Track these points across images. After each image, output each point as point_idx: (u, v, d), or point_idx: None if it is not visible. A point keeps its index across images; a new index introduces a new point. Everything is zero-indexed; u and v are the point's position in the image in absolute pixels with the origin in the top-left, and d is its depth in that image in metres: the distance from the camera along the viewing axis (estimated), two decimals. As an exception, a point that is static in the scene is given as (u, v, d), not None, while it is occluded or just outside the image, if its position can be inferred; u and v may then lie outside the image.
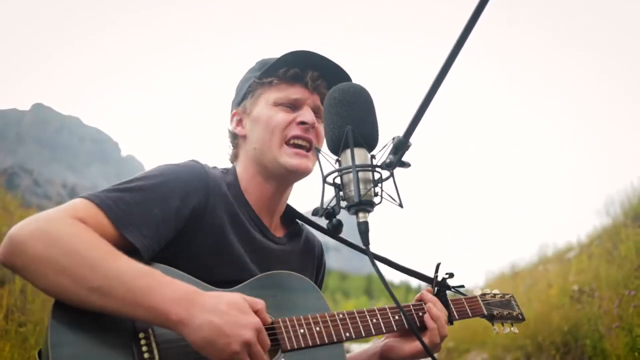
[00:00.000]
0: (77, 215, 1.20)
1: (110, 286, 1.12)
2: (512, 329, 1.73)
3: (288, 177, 1.55)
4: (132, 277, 1.13)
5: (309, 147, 1.54)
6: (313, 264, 1.74)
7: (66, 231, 1.16)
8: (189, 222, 1.36)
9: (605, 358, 4.69)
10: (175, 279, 1.18)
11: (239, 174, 1.57)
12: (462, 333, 7.13)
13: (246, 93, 1.59)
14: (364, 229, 1.15)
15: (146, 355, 1.17)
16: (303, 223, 1.74)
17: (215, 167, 1.55)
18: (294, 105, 1.54)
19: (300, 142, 1.53)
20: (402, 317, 1.51)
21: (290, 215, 1.70)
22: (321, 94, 1.57)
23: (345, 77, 1.57)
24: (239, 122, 1.60)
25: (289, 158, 1.50)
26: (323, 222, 1.48)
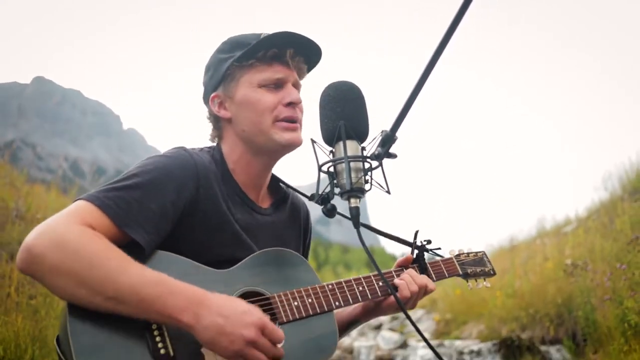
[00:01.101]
0: (85, 221, 1.29)
1: (124, 296, 1.23)
2: (484, 283, 1.88)
3: (281, 151, 1.63)
4: (143, 286, 1.24)
5: (297, 119, 1.61)
6: (299, 228, 1.83)
7: (80, 242, 1.24)
8: (184, 212, 1.45)
9: (596, 329, 4.83)
10: (183, 284, 1.28)
11: (226, 155, 1.63)
12: (460, 306, 7.28)
13: (224, 76, 1.61)
14: (355, 213, 1.28)
15: (160, 345, 1.28)
16: (288, 187, 1.82)
17: (201, 150, 1.62)
18: (277, 85, 1.59)
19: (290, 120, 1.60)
20: (385, 283, 1.63)
21: (275, 182, 1.78)
22: (299, 69, 1.64)
23: (317, 50, 1.63)
24: (221, 104, 1.64)
25: (283, 134, 1.58)
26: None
